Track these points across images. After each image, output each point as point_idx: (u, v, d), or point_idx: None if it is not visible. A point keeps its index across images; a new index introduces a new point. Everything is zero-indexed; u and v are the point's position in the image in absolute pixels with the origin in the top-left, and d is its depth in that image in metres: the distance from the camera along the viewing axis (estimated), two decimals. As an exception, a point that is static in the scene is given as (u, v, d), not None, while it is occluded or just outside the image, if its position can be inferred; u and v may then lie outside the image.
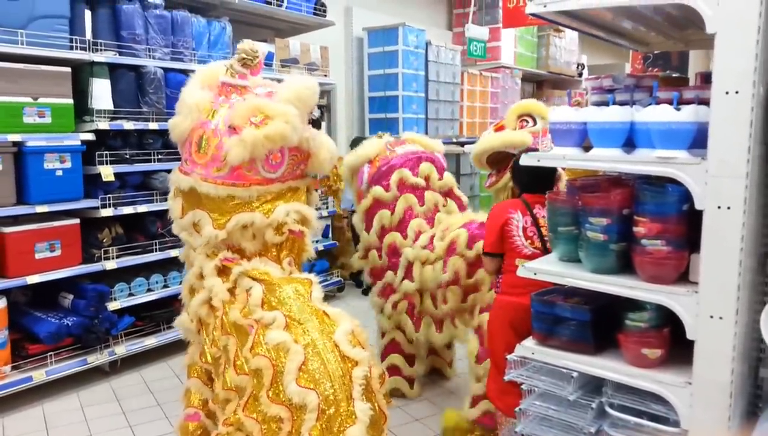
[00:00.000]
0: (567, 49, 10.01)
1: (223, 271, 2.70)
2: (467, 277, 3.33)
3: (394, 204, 3.66)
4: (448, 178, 3.86)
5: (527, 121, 3.67)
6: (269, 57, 5.36)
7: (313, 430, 2.11)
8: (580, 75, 10.31)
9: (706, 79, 2.23)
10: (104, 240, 4.21)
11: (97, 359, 4.09)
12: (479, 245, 3.22)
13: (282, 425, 2.18)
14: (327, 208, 6.11)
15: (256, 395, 2.29)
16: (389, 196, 3.67)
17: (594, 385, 2.17)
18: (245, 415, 2.31)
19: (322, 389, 2.18)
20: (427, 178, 3.73)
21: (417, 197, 3.69)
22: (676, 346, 2.01)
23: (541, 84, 10.15)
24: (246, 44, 2.86)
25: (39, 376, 3.78)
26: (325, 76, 6.00)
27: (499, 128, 3.74)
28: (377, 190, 3.69)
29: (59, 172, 3.87)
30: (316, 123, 2.87)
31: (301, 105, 2.66)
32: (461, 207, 3.86)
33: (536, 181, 2.82)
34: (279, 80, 2.98)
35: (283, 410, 2.19)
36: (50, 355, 3.87)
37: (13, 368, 3.75)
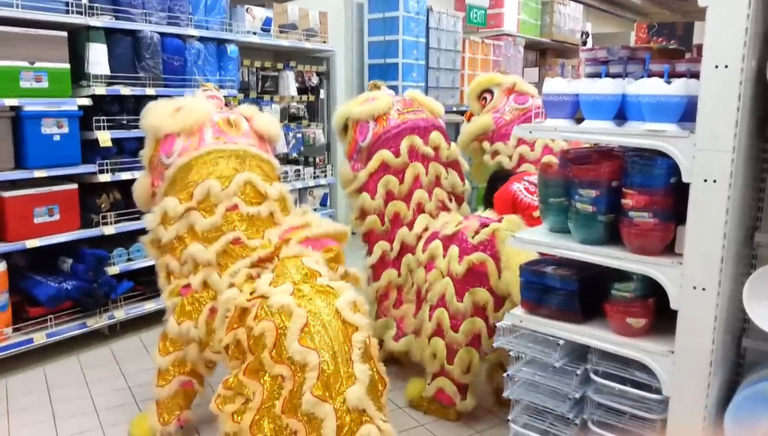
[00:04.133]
0: (572, 16, 9.86)
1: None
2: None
3: (403, 172, 3.52)
4: (454, 147, 3.77)
5: (485, 99, 4.02)
6: (267, 22, 5.32)
7: (315, 389, 2.17)
8: (585, 44, 10.18)
9: (701, 51, 2.23)
10: (102, 205, 4.24)
11: (97, 322, 4.15)
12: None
13: (283, 383, 2.24)
14: (326, 176, 6.12)
15: (259, 360, 2.35)
16: (399, 162, 3.50)
17: (580, 352, 2.23)
18: (246, 377, 2.36)
19: (323, 350, 2.24)
20: (436, 148, 3.61)
21: (424, 167, 3.59)
22: (660, 315, 2.05)
23: (545, 52, 10.04)
24: None
25: (39, 338, 3.85)
26: (324, 42, 5.94)
27: (469, 116, 4.13)
28: (385, 154, 3.50)
29: (57, 137, 3.88)
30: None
31: None
32: (461, 177, 3.81)
33: None
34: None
35: (285, 368, 2.24)
36: (50, 318, 3.94)
37: (15, 330, 3.82)
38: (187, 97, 3.15)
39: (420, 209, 3.53)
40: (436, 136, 3.61)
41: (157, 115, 2.99)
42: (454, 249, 3.11)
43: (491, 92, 4.18)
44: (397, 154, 3.51)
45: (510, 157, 4.03)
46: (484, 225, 3.14)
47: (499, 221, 3.16)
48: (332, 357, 2.23)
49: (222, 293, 2.67)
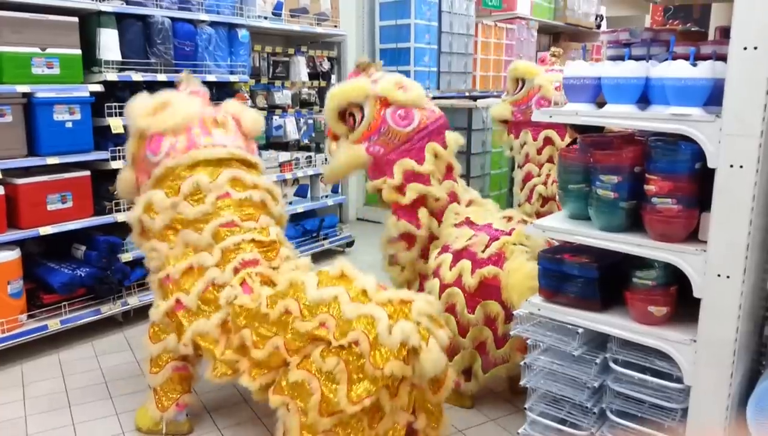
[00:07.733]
0: (585, -1, 9.74)
1: None
2: None
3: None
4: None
5: (521, 84, 4.26)
6: (278, 7, 5.26)
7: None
8: (599, 27, 10.06)
9: (725, 33, 2.17)
10: (115, 192, 4.22)
11: (111, 309, 4.16)
12: None
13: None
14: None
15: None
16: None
17: (599, 341, 2.20)
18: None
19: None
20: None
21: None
22: (681, 304, 2.02)
23: (558, 36, 9.92)
24: None
25: (54, 325, 3.86)
26: (336, 27, 5.89)
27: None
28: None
29: (69, 124, 3.87)
30: None
31: None
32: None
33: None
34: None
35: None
36: (64, 305, 3.95)
37: (29, 317, 3.83)
38: (173, 93, 3.10)
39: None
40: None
41: (142, 113, 2.96)
42: (465, 263, 3.04)
43: (523, 82, 4.31)
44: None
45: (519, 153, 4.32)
46: (494, 239, 3.10)
47: (509, 233, 3.09)
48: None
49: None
